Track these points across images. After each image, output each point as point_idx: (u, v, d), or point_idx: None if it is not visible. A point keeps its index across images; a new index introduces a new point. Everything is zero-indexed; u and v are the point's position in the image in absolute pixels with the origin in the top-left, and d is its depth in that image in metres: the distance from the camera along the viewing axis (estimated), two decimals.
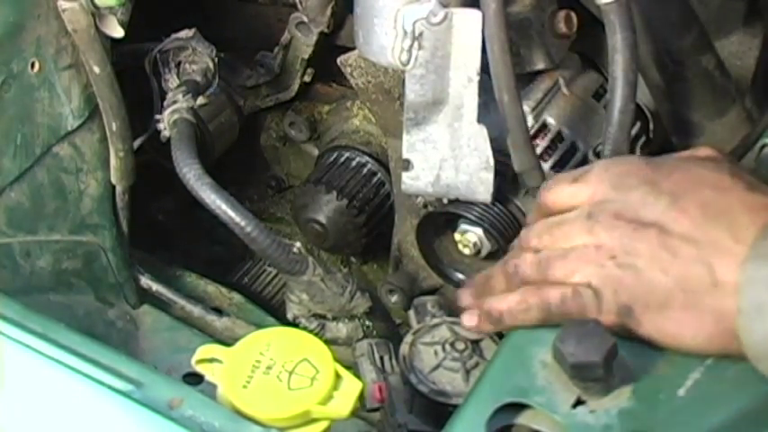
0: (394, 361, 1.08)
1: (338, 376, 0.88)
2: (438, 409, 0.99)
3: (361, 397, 0.89)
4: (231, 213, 1.00)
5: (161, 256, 1.35)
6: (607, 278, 0.85)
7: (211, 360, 0.90)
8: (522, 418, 0.82)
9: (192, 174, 1.02)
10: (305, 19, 1.31)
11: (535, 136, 1.13)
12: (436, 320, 1.08)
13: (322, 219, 1.34)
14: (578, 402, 0.81)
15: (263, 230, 1.00)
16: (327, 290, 1.05)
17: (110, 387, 0.82)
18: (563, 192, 0.91)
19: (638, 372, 0.83)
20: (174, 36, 1.20)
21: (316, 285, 1.04)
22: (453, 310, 1.26)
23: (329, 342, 0.90)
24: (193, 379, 0.96)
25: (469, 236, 1.16)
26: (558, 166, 1.14)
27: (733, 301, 0.80)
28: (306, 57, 1.36)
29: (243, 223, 0.99)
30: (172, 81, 1.20)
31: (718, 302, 0.81)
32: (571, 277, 0.87)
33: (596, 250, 0.86)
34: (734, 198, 0.84)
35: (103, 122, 1.12)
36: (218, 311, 1.28)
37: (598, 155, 1.12)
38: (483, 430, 0.80)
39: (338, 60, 1.19)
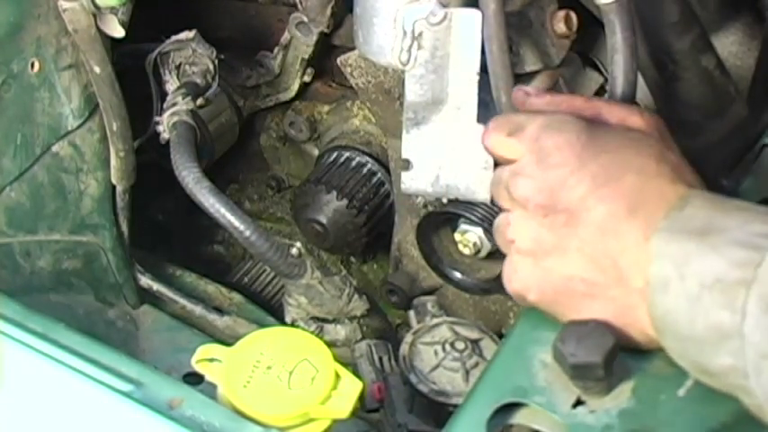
0: (393, 361, 1.08)
1: (338, 376, 0.88)
2: (438, 409, 0.99)
3: (362, 397, 0.89)
4: (230, 217, 1.00)
5: (161, 256, 1.35)
6: (508, 264, 0.87)
7: (211, 360, 0.90)
8: (523, 418, 0.82)
9: (190, 177, 1.02)
10: (305, 19, 1.31)
11: None
12: (436, 320, 1.08)
13: (322, 219, 1.34)
14: (578, 402, 0.81)
15: (261, 234, 1.00)
16: (325, 292, 1.05)
17: (110, 387, 0.82)
18: (499, 141, 0.90)
19: (637, 372, 0.83)
20: (174, 38, 1.20)
21: (314, 288, 1.05)
22: (453, 310, 1.26)
23: (328, 344, 0.90)
24: (193, 379, 0.96)
25: (469, 236, 1.16)
26: None
27: (636, 298, 0.80)
28: (306, 57, 1.36)
29: (241, 227, 1.00)
30: (172, 83, 1.20)
31: (621, 297, 0.81)
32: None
33: (506, 229, 0.87)
34: (654, 189, 0.82)
35: (103, 122, 1.12)
36: (219, 311, 1.28)
37: None
38: (483, 430, 0.80)
39: (338, 60, 1.19)
